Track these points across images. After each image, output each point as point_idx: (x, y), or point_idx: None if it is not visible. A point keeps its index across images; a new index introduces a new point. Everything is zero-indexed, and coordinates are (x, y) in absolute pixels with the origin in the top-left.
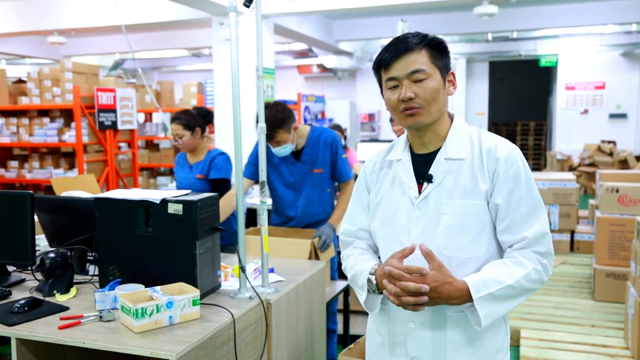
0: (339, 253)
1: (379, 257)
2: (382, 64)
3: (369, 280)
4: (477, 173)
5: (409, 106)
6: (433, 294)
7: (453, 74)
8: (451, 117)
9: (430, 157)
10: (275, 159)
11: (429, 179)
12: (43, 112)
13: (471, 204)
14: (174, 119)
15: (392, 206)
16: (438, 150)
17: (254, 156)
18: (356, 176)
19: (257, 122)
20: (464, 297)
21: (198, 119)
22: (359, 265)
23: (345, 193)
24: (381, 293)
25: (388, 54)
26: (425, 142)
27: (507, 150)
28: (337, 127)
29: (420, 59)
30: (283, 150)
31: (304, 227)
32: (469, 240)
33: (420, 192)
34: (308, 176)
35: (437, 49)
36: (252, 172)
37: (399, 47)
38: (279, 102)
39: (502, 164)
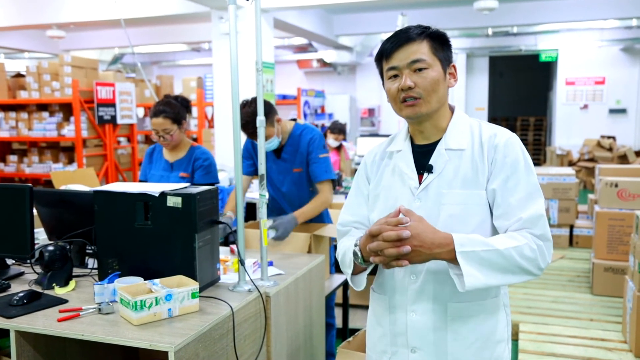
0: (334, 247)
1: None
2: (384, 54)
3: (354, 253)
4: (477, 163)
5: (408, 95)
6: (415, 241)
7: (454, 67)
8: (452, 109)
9: (430, 148)
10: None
11: (429, 169)
12: (42, 107)
13: (472, 193)
14: (159, 112)
15: (392, 197)
16: (438, 141)
17: (246, 151)
18: (354, 170)
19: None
20: (449, 246)
21: (183, 110)
22: (344, 244)
23: (319, 193)
24: (368, 262)
25: (389, 44)
26: (425, 134)
27: (506, 138)
28: (337, 126)
29: (421, 49)
30: (269, 144)
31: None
32: (470, 230)
33: (420, 183)
34: (288, 175)
35: (439, 41)
36: (246, 167)
37: (400, 38)
38: (255, 98)
39: (500, 151)
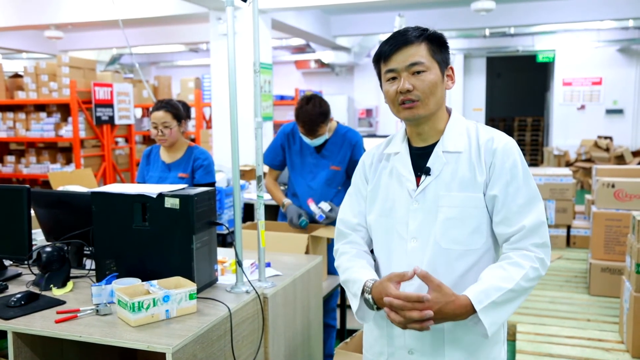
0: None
1: (374, 258)
2: (382, 56)
3: (366, 300)
4: (474, 166)
5: (407, 98)
6: (437, 315)
7: (452, 69)
8: (449, 112)
9: (428, 150)
10: (296, 146)
11: (427, 172)
12: (40, 107)
13: (469, 196)
14: (160, 107)
15: (390, 199)
16: (436, 143)
17: (279, 146)
18: None
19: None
20: (469, 311)
21: (182, 111)
22: (354, 272)
23: None
24: (379, 309)
25: (388, 46)
26: (423, 136)
27: (504, 143)
28: None
29: (419, 52)
30: (318, 140)
31: (311, 222)
32: (467, 232)
33: (418, 185)
34: (324, 170)
35: (437, 43)
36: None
37: (398, 40)
38: (316, 95)
39: (498, 155)
